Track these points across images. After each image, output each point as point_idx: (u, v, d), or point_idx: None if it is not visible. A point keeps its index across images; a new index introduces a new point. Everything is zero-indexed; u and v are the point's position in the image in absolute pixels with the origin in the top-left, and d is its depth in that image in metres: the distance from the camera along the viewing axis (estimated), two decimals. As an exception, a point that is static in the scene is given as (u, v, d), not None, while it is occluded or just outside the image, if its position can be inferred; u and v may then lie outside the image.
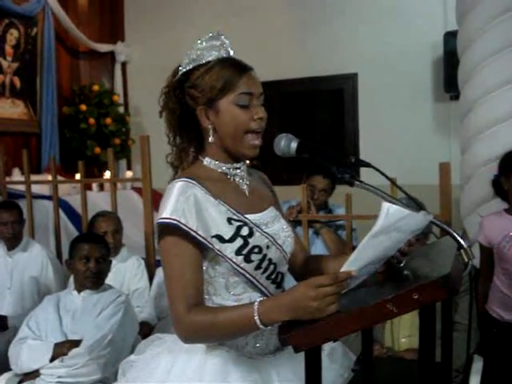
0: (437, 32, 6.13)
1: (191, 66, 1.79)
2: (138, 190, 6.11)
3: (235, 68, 1.77)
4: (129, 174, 7.31)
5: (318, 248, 3.95)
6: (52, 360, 3.05)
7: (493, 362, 3.24)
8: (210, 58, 1.78)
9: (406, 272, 1.63)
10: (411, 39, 6.39)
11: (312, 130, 7.07)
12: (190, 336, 1.67)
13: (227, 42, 1.83)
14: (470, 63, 3.70)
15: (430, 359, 1.45)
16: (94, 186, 6.49)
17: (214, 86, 1.75)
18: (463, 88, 3.82)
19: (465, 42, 3.77)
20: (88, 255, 3.24)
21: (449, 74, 5.66)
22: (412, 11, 6.39)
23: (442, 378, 1.78)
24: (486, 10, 3.59)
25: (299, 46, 6.97)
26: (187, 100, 1.80)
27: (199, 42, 1.81)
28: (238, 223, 1.74)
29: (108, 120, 7.21)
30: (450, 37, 5.37)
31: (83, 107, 7.13)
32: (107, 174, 5.41)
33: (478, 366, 3.04)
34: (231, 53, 1.83)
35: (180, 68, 1.82)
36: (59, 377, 3.01)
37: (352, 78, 6.88)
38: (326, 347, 2.01)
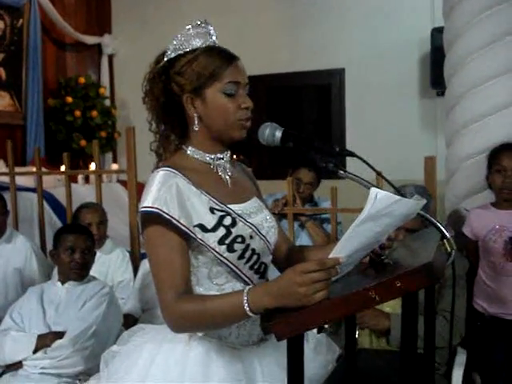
0: (424, 28, 6.16)
1: (177, 53, 1.78)
2: (124, 183, 6.08)
3: (223, 57, 1.76)
4: (114, 166, 7.28)
5: (303, 241, 3.95)
6: (35, 351, 3.03)
7: (476, 355, 3.26)
8: (196, 46, 1.77)
9: (389, 261, 1.63)
10: (398, 35, 6.43)
11: (299, 125, 7.07)
12: (179, 324, 1.65)
13: (212, 29, 1.82)
14: (456, 57, 3.70)
15: (412, 350, 1.45)
16: (80, 178, 6.46)
17: (202, 73, 1.74)
18: (449, 82, 3.83)
19: (451, 37, 3.77)
20: (73, 246, 3.23)
21: (435, 71, 5.68)
22: (399, 7, 6.43)
23: (425, 369, 1.79)
24: (473, 5, 3.59)
25: (287, 40, 6.98)
26: (173, 87, 1.78)
27: (186, 28, 1.79)
28: (221, 213, 1.74)
29: (94, 113, 7.18)
30: (437, 33, 5.39)
31: (69, 99, 7.10)
32: (93, 167, 5.38)
33: (461, 358, 3.05)
34: (216, 41, 1.82)
35: (166, 54, 1.80)
36: (42, 368, 3.00)
37: (339, 73, 6.90)
38: (311, 339, 2.01)
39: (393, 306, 2.94)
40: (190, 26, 1.79)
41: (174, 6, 7.37)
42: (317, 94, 7.25)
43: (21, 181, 5.00)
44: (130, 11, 7.79)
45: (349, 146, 6.76)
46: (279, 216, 3.78)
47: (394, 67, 6.47)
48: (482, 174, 3.41)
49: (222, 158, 1.84)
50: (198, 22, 1.81)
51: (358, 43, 6.65)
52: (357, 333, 3.03)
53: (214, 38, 1.81)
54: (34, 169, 4.72)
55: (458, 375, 2.90)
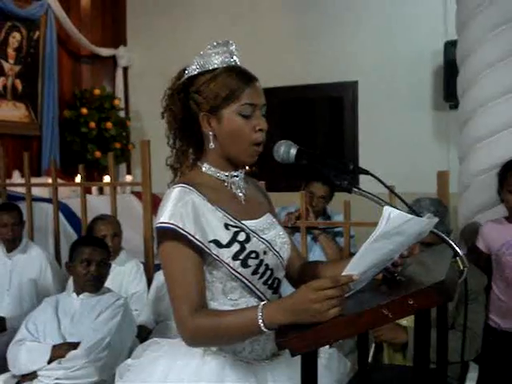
0: (437, 41, 6.17)
1: (197, 71, 1.80)
2: (138, 195, 6.13)
3: (241, 78, 1.78)
4: (128, 178, 7.35)
5: (316, 254, 3.96)
6: (50, 362, 3.07)
7: (488, 370, 3.25)
8: (216, 65, 1.80)
9: (401, 278, 1.65)
10: (412, 48, 6.43)
11: (312, 137, 7.08)
12: (194, 339, 1.68)
13: (235, 50, 1.84)
14: (469, 73, 3.72)
15: (424, 365, 1.46)
16: (94, 189, 6.51)
17: (219, 94, 1.76)
18: (462, 98, 3.85)
19: (464, 52, 3.80)
20: (89, 259, 3.26)
21: (448, 84, 5.69)
22: (413, 20, 6.42)
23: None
24: (486, 21, 3.61)
25: (300, 53, 7.01)
26: (191, 104, 1.81)
27: (208, 47, 1.82)
28: (235, 229, 1.76)
29: (109, 124, 7.25)
30: (451, 46, 5.40)
31: (84, 111, 7.18)
32: (107, 178, 5.43)
33: (473, 374, 3.05)
34: (238, 61, 1.84)
35: (186, 71, 1.83)
36: (57, 378, 3.03)
37: (352, 86, 6.91)
38: (323, 354, 2.03)
39: (410, 319, 2.95)
40: (211, 45, 1.82)
41: (187, 18, 7.44)
42: (330, 107, 7.26)
43: (35, 191, 5.05)
44: (144, 23, 7.85)
45: (361, 159, 6.78)
46: (292, 229, 3.80)
47: (407, 80, 6.48)
48: (494, 188, 3.43)
49: (237, 176, 1.87)
50: (220, 42, 1.83)
51: (371, 56, 6.66)
52: (373, 346, 3.05)
53: (235, 57, 1.83)
54: (50, 179, 4.78)
55: (469, 390, 2.90)
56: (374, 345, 3.08)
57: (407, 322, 2.97)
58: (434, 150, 6.33)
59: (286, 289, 1.89)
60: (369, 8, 6.68)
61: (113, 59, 7.99)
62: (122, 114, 7.72)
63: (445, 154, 6.08)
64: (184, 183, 1.76)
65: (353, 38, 6.76)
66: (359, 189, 1.74)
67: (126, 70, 8.11)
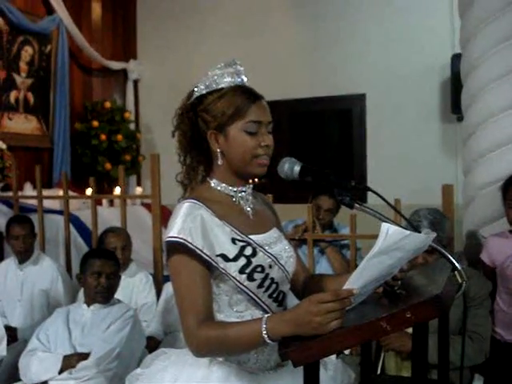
0: (444, 54, 6.20)
1: (205, 91, 1.87)
2: (147, 206, 6.18)
3: (246, 96, 1.85)
4: (138, 189, 7.42)
5: (322, 266, 4.01)
6: (61, 372, 3.13)
7: (492, 381, 3.28)
8: (223, 85, 1.86)
9: (401, 292, 1.70)
10: (419, 61, 6.46)
11: (320, 150, 7.13)
12: (201, 349, 1.72)
13: (242, 69, 1.91)
14: (473, 88, 3.76)
15: (423, 374, 1.51)
16: (104, 201, 6.57)
17: (225, 112, 1.83)
18: (466, 112, 3.89)
19: (468, 67, 3.84)
20: (100, 271, 3.32)
21: (456, 96, 5.67)
22: (420, 33, 6.45)
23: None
24: (490, 36, 3.65)
25: (308, 66, 7.07)
26: (199, 123, 1.88)
27: (216, 67, 1.89)
28: (242, 243, 1.81)
29: (119, 136, 7.31)
30: (458, 59, 5.38)
31: (95, 123, 7.24)
32: (117, 190, 5.49)
33: (478, 385, 3.08)
34: (245, 80, 1.91)
35: (195, 91, 1.90)
36: (67, 388, 3.09)
37: (360, 99, 6.95)
38: (329, 366, 2.07)
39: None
40: (219, 66, 1.89)
41: (198, 32, 7.51)
42: (338, 119, 7.31)
43: (47, 203, 5.11)
44: (154, 37, 7.94)
45: (370, 171, 6.81)
46: (299, 242, 3.85)
47: (415, 92, 6.50)
48: (499, 202, 3.46)
49: (245, 191, 1.93)
50: (228, 62, 1.90)
51: (378, 68, 6.69)
52: (382, 355, 3.08)
53: (242, 77, 1.90)
54: (61, 191, 4.84)
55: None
56: (382, 355, 3.11)
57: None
58: (441, 163, 6.34)
59: (293, 301, 1.94)
60: (377, 21, 6.72)
61: (123, 72, 8.07)
62: (132, 126, 7.78)
63: (453, 166, 6.09)
64: (193, 198, 1.82)
65: (361, 50, 6.79)
66: (360, 204, 1.79)
67: (136, 83, 8.19)
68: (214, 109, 1.84)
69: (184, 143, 1.92)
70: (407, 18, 6.57)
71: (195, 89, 1.91)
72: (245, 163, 1.85)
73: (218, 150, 1.86)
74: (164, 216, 3.94)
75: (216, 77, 1.88)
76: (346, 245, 4.05)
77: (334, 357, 1.70)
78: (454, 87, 5.88)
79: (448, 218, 3.35)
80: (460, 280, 1.66)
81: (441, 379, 1.84)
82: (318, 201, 4.10)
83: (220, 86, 1.86)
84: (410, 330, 2.95)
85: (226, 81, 1.87)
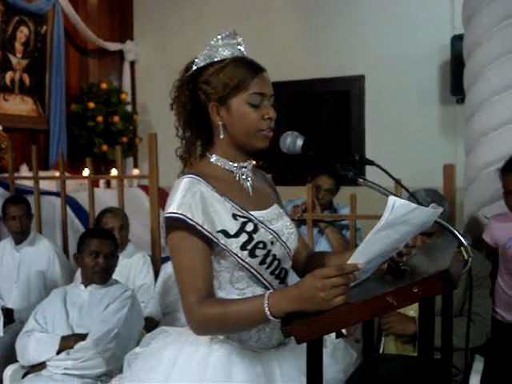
0: (444, 35, 6.16)
1: (206, 63, 1.83)
2: (145, 188, 6.15)
3: (249, 68, 1.81)
4: (135, 172, 7.36)
5: (322, 247, 3.98)
6: (58, 353, 3.11)
7: (494, 362, 3.27)
8: (224, 56, 1.82)
9: (406, 268, 1.67)
10: (419, 42, 6.42)
11: (319, 131, 7.09)
12: (201, 327, 1.70)
13: (242, 41, 1.87)
14: (476, 66, 3.72)
15: (429, 354, 1.47)
16: (101, 183, 6.53)
17: (228, 84, 1.78)
18: (469, 90, 3.85)
19: (471, 45, 3.80)
20: (97, 250, 3.28)
21: (455, 77, 5.68)
22: (420, 15, 6.41)
23: (442, 374, 1.81)
24: (493, 14, 3.61)
25: (307, 47, 7.01)
26: (199, 95, 1.84)
27: (215, 39, 1.84)
28: (243, 219, 1.78)
29: (116, 118, 7.26)
30: (458, 40, 5.39)
31: (91, 105, 7.19)
32: (114, 172, 5.45)
33: (478, 365, 3.06)
34: (245, 52, 1.87)
35: (194, 63, 1.85)
36: (65, 369, 3.07)
37: (359, 80, 6.91)
38: (328, 344, 2.04)
39: (417, 309, 2.95)
40: (219, 37, 1.84)
41: (195, 13, 7.44)
42: (336, 101, 7.26)
43: (43, 185, 5.07)
44: (151, 18, 7.86)
45: (368, 153, 6.78)
46: (298, 222, 3.82)
47: (414, 74, 6.46)
48: (500, 182, 3.42)
49: (245, 167, 1.89)
50: (228, 33, 1.86)
51: (377, 50, 6.64)
52: (382, 340, 3.06)
53: (242, 48, 1.86)
54: (57, 173, 4.80)
55: (475, 382, 2.91)
56: (383, 339, 3.09)
57: (414, 312, 2.98)
58: (441, 145, 6.32)
59: (294, 279, 1.90)
60: (376, 2, 6.67)
61: (120, 54, 8.00)
62: (129, 108, 7.73)
63: (452, 149, 6.06)
64: (193, 174, 1.78)
65: (360, 31, 6.74)
66: (364, 179, 1.75)
67: (133, 64, 8.12)
68: (216, 80, 1.80)
69: (183, 116, 1.88)
70: (407, -1, 6.52)
71: (195, 61, 1.86)
72: (248, 136, 1.81)
73: (220, 123, 1.82)
74: (162, 198, 3.90)
75: (216, 48, 1.83)
76: (346, 225, 4.02)
77: (333, 335, 1.66)
78: (454, 69, 5.86)
79: (447, 199, 3.33)
80: (466, 256, 1.62)
81: (444, 358, 1.82)
82: (318, 181, 4.06)
83: (221, 58, 1.82)
84: (411, 313, 2.98)
85: (227, 52, 1.83)
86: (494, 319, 3.35)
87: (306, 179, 4.13)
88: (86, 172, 4.93)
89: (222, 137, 1.83)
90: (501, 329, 3.35)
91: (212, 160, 1.87)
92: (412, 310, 3.00)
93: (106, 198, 5.44)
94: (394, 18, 6.57)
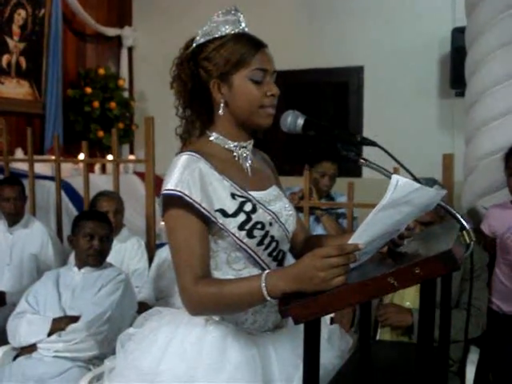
0: (444, 28, 6.11)
1: (206, 39, 1.79)
2: (140, 175, 6.11)
3: (251, 43, 1.78)
4: (131, 158, 7.32)
5: (318, 235, 3.96)
6: (50, 335, 3.07)
7: (489, 353, 3.26)
8: (225, 32, 1.79)
9: (407, 251, 1.64)
10: (419, 34, 6.37)
11: (316, 122, 7.04)
12: (196, 307, 1.67)
13: (243, 17, 1.83)
14: (478, 55, 3.70)
15: (429, 341, 1.44)
16: (97, 169, 6.49)
17: (229, 59, 1.75)
18: (470, 80, 3.83)
19: (473, 35, 3.77)
20: (92, 233, 3.26)
21: (455, 71, 5.65)
22: (420, 6, 6.38)
23: (440, 362, 1.79)
24: (495, 3, 3.59)
25: (305, 37, 6.96)
26: (200, 72, 1.80)
27: (216, 15, 1.81)
28: (242, 199, 1.75)
29: (112, 104, 7.21)
30: (458, 33, 5.37)
31: (88, 90, 7.13)
32: (109, 157, 5.41)
33: (473, 356, 3.05)
34: (246, 29, 1.83)
35: (194, 40, 1.82)
36: (56, 351, 3.04)
37: (358, 71, 6.87)
38: (324, 330, 2.02)
39: (412, 301, 2.94)
40: (219, 13, 1.81)
41: (194, 1, 7.38)
42: (335, 92, 7.23)
43: (38, 169, 5.03)
44: (150, 4, 7.80)
45: (365, 144, 6.74)
46: (295, 209, 3.79)
47: (414, 66, 6.43)
48: (500, 172, 3.41)
49: (245, 147, 1.85)
50: (228, 9, 1.83)
51: (377, 41, 6.60)
52: (378, 331, 3.04)
53: (243, 25, 1.83)
54: (53, 157, 4.77)
55: (470, 373, 2.90)
56: (379, 330, 3.07)
57: (410, 303, 2.96)
58: (438, 137, 6.28)
59: (290, 262, 1.88)
60: (376, -7, 6.64)
61: (118, 39, 7.94)
62: (126, 94, 7.68)
63: (449, 141, 6.03)
64: (192, 151, 1.75)
65: (360, 22, 6.70)
66: (366, 160, 1.72)
67: (130, 50, 8.06)
68: (217, 57, 1.76)
69: (183, 94, 1.84)
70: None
71: (195, 38, 1.82)
72: (250, 113, 1.77)
73: (222, 100, 1.78)
74: (157, 185, 3.86)
75: (217, 24, 1.80)
76: (343, 213, 4.00)
77: (328, 320, 1.63)
78: (454, 62, 5.83)
79: (445, 187, 3.30)
80: (468, 240, 1.59)
81: (441, 347, 1.79)
82: (322, 167, 4.02)
83: (222, 34, 1.78)
84: (407, 304, 2.96)
85: (228, 28, 1.79)
86: (490, 310, 3.34)
87: (302, 170, 4.08)
88: (81, 156, 4.90)
89: (222, 114, 1.79)
90: (497, 320, 3.34)
91: (211, 138, 1.83)
92: (408, 302, 2.98)
93: (100, 183, 5.40)
94: (395, 9, 6.53)
